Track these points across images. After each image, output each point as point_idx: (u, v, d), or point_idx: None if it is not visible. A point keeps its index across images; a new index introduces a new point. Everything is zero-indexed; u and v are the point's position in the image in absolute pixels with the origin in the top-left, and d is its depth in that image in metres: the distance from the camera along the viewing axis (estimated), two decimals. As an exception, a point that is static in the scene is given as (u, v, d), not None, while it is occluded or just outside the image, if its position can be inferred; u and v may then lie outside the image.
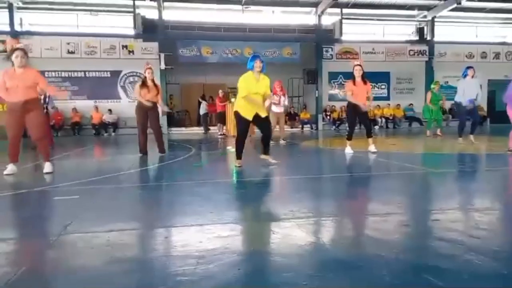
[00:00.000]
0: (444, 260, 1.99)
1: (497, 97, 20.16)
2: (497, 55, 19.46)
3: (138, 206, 3.52)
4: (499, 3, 17.66)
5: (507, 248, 2.19)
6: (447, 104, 15.63)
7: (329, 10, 17.31)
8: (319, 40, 17.72)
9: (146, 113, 7.04)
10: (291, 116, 17.47)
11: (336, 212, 3.17)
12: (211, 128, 15.98)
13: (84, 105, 16.07)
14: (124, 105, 16.19)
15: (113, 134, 15.92)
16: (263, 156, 5.58)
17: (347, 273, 1.86)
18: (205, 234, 2.44)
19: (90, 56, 16.13)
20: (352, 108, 6.92)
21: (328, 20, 18.10)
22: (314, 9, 17.47)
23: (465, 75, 8.43)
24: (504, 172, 5.22)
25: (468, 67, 8.51)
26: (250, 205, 3.40)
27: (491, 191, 3.96)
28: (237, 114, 5.35)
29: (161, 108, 7.71)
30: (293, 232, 2.49)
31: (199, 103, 16.23)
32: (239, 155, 5.43)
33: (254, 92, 5.22)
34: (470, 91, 8.26)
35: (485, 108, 18.56)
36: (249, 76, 5.26)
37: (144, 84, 7.04)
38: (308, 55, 17.85)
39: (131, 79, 16.51)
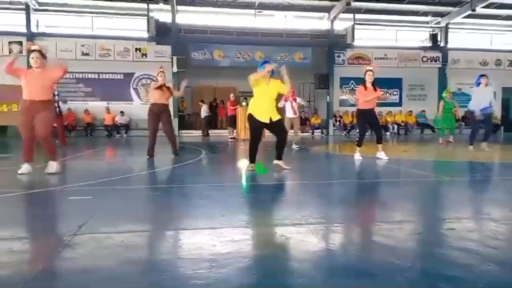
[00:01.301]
0: (459, 269, 1.96)
1: (511, 105, 19.90)
2: (511, 63, 19.18)
3: (150, 208, 3.54)
4: (514, 10, 17.46)
5: (525, 260, 2.15)
6: (461, 112, 15.47)
7: (342, 15, 17.28)
8: (331, 45, 17.70)
9: (158, 116, 7.10)
10: (302, 121, 17.40)
11: (348, 218, 3.14)
12: (221, 131, 16.04)
13: (97, 106, 16.27)
14: (136, 107, 16.36)
15: (125, 135, 16.08)
16: (275, 162, 5.55)
17: (361, 280, 1.85)
18: (217, 237, 2.44)
19: (104, 58, 16.37)
20: (363, 114, 6.88)
21: (341, 25, 18.07)
22: (327, 14, 17.46)
23: (478, 84, 8.36)
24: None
25: (482, 75, 8.44)
26: (263, 209, 3.39)
27: (505, 200, 3.89)
28: (250, 117, 5.35)
29: (183, 84, 7.87)
30: (306, 238, 2.48)
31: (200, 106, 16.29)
32: (252, 159, 5.43)
33: (263, 94, 5.25)
34: (483, 100, 8.18)
35: (499, 116, 18.29)
36: (260, 79, 5.29)
37: (160, 86, 7.12)
38: (320, 60, 17.83)
39: (143, 81, 16.69)
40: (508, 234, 2.71)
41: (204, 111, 15.93)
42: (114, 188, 4.30)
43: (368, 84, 6.79)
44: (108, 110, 16.23)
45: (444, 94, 11.15)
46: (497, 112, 17.31)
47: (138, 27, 16.85)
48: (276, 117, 5.33)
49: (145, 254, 2.24)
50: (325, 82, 17.85)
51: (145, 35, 16.75)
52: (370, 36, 18.57)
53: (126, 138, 15.57)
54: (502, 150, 9.56)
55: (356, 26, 17.94)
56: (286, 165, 5.52)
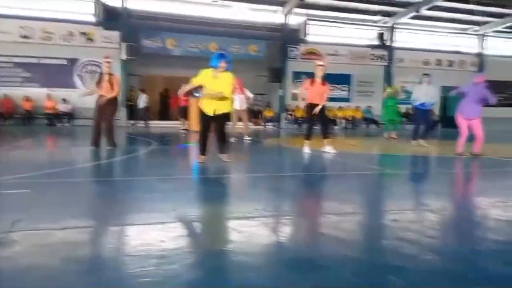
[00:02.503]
0: (403, 260, 2.05)
1: (448, 103, 21.35)
2: (451, 63, 20.55)
3: (95, 202, 3.35)
4: (455, 14, 18.64)
5: (461, 248, 2.29)
6: (403, 108, 16.34)
7: (296, 10, 17.49)
8: (285, 39, 17.86)
9: (103, 106, 6.82)
10: (255, 114, 17.52)
11: (300, 211, 3.19)
12: (173, 122, 15.64)
13: (37, 93, 15.18)
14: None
15: (67, 125, 15.19)
16: (219, 155, 5.52)
17: (312, 273, 1.87)
18: (167, 232, 2.36)
19: (46, 42, 15.26)
20: (311, 109, 7.00)
21: (294, 19, 18.28)
22: (281, 8, 17.57)
23: (421, 81, 8.90)
24: (453, 175, 5.50)
25: (425, 74, 8.98)
26: (214, 202, 3.34)
27: (442, 192, 4.15)
28: (200, 110, 5.38)
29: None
30: (259, 231, 2.47)
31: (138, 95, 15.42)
32: (202, 151, 5.35)
33: (211, 88, 5.19)
34: (424, 96, 8.72)
35: (438, 113, 19.53)
36: (207, 72, 5.24)
37: (99, 80, 6.86)
38: (274, 53, 17.94)
39: (89, 68, 15.82)
40: (445, 224, 2.90)
41: (142, 101, 15.10)
42: (55, 181, 4.03)
43: (318, 79, 6.90)
44: (49, 97, 15.21)
45: (388, 90, 11.74)
46: (436, 109, 18.49)
47: (84, 10, 15.90)
48: (220, 110, 5.27)
49: (88, 252, 2.12)
50: (278, 76, 18.01)
51: (92, 19, 15.84)
52: (322, 32, 18.98)
53: (69, 127, 14.73)
54: (440, 145, 10.21)
55: (309, 22, 18.25)
56: (229, 158, 5.48)
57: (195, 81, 5.37)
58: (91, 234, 2.45)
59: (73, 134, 11.88)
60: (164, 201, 3.20)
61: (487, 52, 20.97)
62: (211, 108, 5.22)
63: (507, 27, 20.06)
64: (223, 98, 5.23)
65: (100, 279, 1.74)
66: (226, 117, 5.46)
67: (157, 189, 3.70)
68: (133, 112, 16.38)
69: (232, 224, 2.67)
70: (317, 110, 6.83)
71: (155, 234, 2.34)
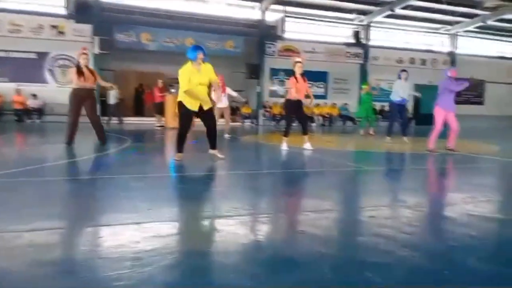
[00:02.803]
0: (381, 256, 2.06)
1: (422, 101, 21.92)
2: (423, 62, 21.07)
3: (67, 202, 3.22)
4: (428, 13, 19.11)
5: (437, 244, 2.33)
6: (377, 106, 16.69)
7: (273, 6, 17.48)
8: (262, 35, 17.83)
9: (82, 101, 6.57)
10: (232, 111, 17.42)
11: (278, 208, 3.17)
12: (148, 119, 15.35)
13: (5, 87, 14.56)
14: (52, 90, 14.97)
15: (37, 121, 14.66)
16: (211, 151, 5.45)
17: (291, 272, 1.85)
18: (142, 233, 2.29)
19: (14, 35, 14.64)
20: (290, 105, 7.02)
21: (272, 16, 18.28)
22: (258, 4, 17.52)
23: (399, 77, 9.13)
24: (427, 171, 5.64)
25: (403, 70, 9.24)
26: (191, 201, 3.28)
27: (417, 188, 4.23)
28: (180, 104, 5.14)
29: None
30: (237, 230, 2.43)
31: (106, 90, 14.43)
32: (179, 149, 5.25)
33: (197, 83, 5.06)
34: (403, 92, 8.96)
35: (411, 111, 20.02)
36: (188, 68, 5.07)
37: (79, 71, 6.52)
38: (251, 50, 17.88)
39: (60, 62, 15.30)
40: (421, 220, 2.95)
41: (113, 96, 14.32)
42: (24, 180, 3.86)
43: (298, 75, 6.92)
44: (18, 92, 14.62)
45: (363, 86, 11.94)
46: (410, 106, 18.94)
47: (54, 3, 15.35)
48: (207, 105, 5.20)
49: (59, 254, 2.02)
50: (256, 72, 17.98)
51: (62, 11, 15.32)
52: (299, 29, 19.07)
53: (40, 123, 14.22)
54: (414, 142, 10.45)
55: (286, 19, 18.28)
56: (221, 154, 5.44)
57: (186, 84, 4.95)
58: (62, 236, 2.35)
59: (44, 131, 11.48)
60: (140, 200, 3.11)
61: (458, 51, 21.61)
62: (197, 103, 5.11)
63: (477, 27, 20.76)
64: (209, 93, 5.17)
65: (71, 284, 1.67)
66: (212, 111, 5.38)
67: (133, 187, 3.61)
68: (106, 108, 15.97)
69: (209, 223, 2.63)
70: (310, 103, 6.93)
71: (130, 234, 2.26)
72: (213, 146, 5.44)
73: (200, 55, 5.04)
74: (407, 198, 3.58)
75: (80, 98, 6.54)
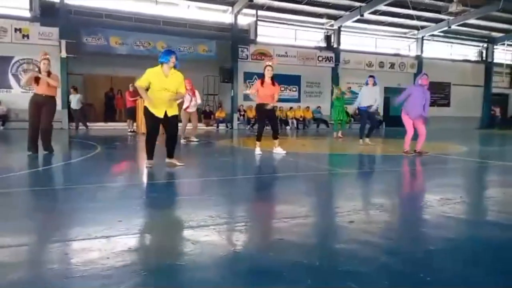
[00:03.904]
0: (363, 264, 2.01)
1: (390, 103, 22.49)
2: (392, 65, 21.63)
3: (29, 216, 2.99)
4: (396, 18, 19.64)
5: (418, 249, 2.31)
6: (350, 109, 16.94)
7: (245, 10, 17.49)
8: (234, 39, 17.77)
9: (40, 107, 6.29)
10: (206, 114, 17.26)
11: (254, 216, 3.09)
12: (119, 124, 14.94)
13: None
14: (16, 96, 14.34)
15: (1, 128, 13.98)
16: (168, 160, 5.27)
17: (272, 283, 1.77)
18: (112, 248, 2.15)
19: (-26, 38, 13.96)
20: (260, 109, 6.96)
21: (244, 20, 18.27)
22: (230, 8, 17.46)
23: (366, 83, 9.19)
24: (401, 173, 5.71)
25: (370, 76, 9.31)
26: (165, 211, 3.14)
27: (392, 190, 4.26)
28: (146, 110, 5.04)
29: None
30: (213, 241, 2.33)
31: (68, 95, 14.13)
32: (149, 155, 5.08)
33: (161, 88, 4.92)
34: (367, 98, 9.00)
35: (381, 113, 20.47)
36: (156, 70, 4.97)
37: (37, 77, 6.26)
38: (225, 53, 17.79)
39: (25, 66, 14.69)
40: (398, 223, 2.94)
41: (76, 101, 13.62)
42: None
43: (267, 79, 6.85)
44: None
45: (335, 90, 12.06)
46: (380, 109, 19.37)
47: (18, 5, 14.73)
48: (172, 112, 5.05)
49: (20, 274, 1.85)
50: (229, 76, 17.89)
51: (27, 14, 14.72)
52: (272, 33, 19.15)
53: (3, 130, 13.55)
54: (384, 143, 10.66)
55: (259, 23, 18.31)
56: (179, 161, 5.29)
57: (143, 82, 4.95)
58: (23, 254, 2.16)
59: (7, 138, 10.92)
60: (109, 211, 2.95)
61: (424, 54, 22.32)
62: (162, 109, 4.96)
63: (442, 32, 21.53)
64: (171, 100, 5.02)
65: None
66: (176, 119, 5.23)
67: (101, 197, 3.43)
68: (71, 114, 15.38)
69: (184, 234, 2.50)
70: (270, 106, 6.80)
71: (99, 250, 2.12)
72: (170, 155, 5.27)
73: (173, 59, 4.92)
74: (382, 201, 3.58)
75: (36, 104, 6.28)
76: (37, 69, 6.58)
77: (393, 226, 2.79)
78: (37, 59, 14.37)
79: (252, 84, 18.40)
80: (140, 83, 4.97)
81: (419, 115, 6.86)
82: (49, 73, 6.39)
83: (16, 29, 14.44)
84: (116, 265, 1.91)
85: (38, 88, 6.32)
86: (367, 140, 9.07)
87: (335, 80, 19.87)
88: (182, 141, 8.83)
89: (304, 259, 2.06)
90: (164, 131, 5.28)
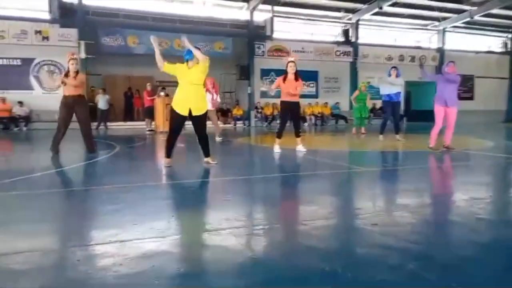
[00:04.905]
0: (388, 272, 1.88)
1: (413, 97, 21.93)
2: (412, 58, 21.05)
3: (42, 219, 2.91)
4: (416, 10, 19.11)
5: (448, 255, 2.15)
6: (370, 103, 16.56)
7: (261, 6, 17.31)
8: (251, 36, 17.64)
9: (71, 108, 6.34)
10: (223, 112, 17.22)
11: (272, 218, 2.98)
12: (137, 123, 15.07)
13: (-10, 96, 14.19)
14: (38, 97, 14.65)
15: (24, 129, 14.29)
16: (205, 159, 5.28)
17: (291, 295, 1.66)
18: (126, 253, 2.08)
19: (-2, 41, 14.30)
20: (284, 107, 6.83)
21: (260, 16, 18.10)
22: (246, 4, 17.33)
23: (389, 75, 9.00)
24: (429, 170, 5.49)
25: (393, 67, 9.17)
26: (181, 213, 3.06)
27: (417, 189, 4.07)
28: (171, 109, 5.02)
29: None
30: (231, 246, 2.23)
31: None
32: (168, 154, 5.04)
33: (186, 82, 4.92)
34: (393, 89, 8.85)
35: (403, 107, 19.98)
36: (182, 65, 5.01)
37: (65, 77, 6.35)
38: (241, 50, 17.70)
39: (46, 68, 14.96)
40: (424, 226, 2.77)
41: (104, 102, 14.20)
42: (2, 194, 3.61)
43: (290, 76, 6.71)
44: (3, 100, 14.23)
45: (359, 85, 11.77)
46: (401, 103, 18.88)
47: (37, 7, 15.00)
48: (197, 111, 4.96)
49: (25, 284, 1.80)
50: (246, 73, 17.79)
51: (46, 16, 14.98)
52: (288, 29, 18.93)
53: (26, 131, 13.85)
54: (406, 139, 10.35)
55: (275, 19, 18.12)
56: (212, 160, 5.27)
57: (167, 65, 4.96)
58: (32, 259, 2.10)
59: (30, 139, 11.15)
60: (125, 214, 2.90)
61: (446, 47, 21.65)
62: (186, 107, 4.91)
63: (464, 23, 20.82)
64: (198, 93, 4.96)
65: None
66: (204, 118, 5.15)
67: (118, 199, 3.38)
68: (95, 114, 15.64)
69: (201, 239, 2.42)
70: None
71: (112, 255, 2.05)
72: (206, 154, 5.26)
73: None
74: (407, 201, 3.41)
75: (70, 105, 6.33)
76: (63, 74, 6.65)
77: (420, 229, 2.63)
78: (57, 61, 14.70)
79: (269, 81, 18.33)
80: (165, 64, 4.98)
81: (454, 103, 6.62)
82: (77, 73, 6.44)
83: (36, 31, 14.71)
84: (129, 273, 1.84)
85: (65, 89, 6.38)
86: (397, 136, 8.87)
87: (354, 75, 19.50)
88: (218, 139, 8.76)
89: (325, 265, 1.94)
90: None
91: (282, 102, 6.85)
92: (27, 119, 14.53)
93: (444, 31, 21.50)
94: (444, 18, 20.45)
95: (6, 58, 14.57)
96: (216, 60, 16.48)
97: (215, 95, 8.95)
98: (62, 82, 6.36)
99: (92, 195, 3.69)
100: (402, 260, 2.03)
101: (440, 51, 21.46)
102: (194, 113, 4.94)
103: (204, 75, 5.04)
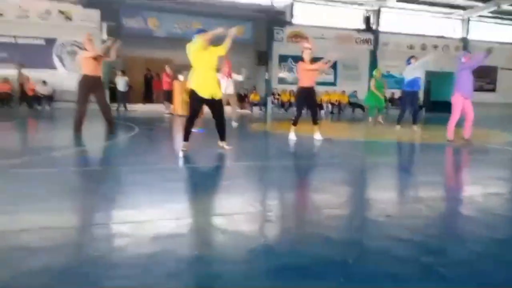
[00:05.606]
0: (400, 264, 1.90)
1: (432, 88, 21.43)
2: (435, 48, 20.51)
3: (60, 197, 2.99)
4: (441, -3, 18.51)
5: (462, 250, 2.15)
6: (387, 93, 16.28)
7: (282, -10, 17.05)
8: (270, 21, 17.45)
9: (91, 88, 6.46)
10: (240, 98, 17.21)
11: (284, 206, 3.02)
12: (156, 106, 15.22)
13: (14, 74, 14.51)
14: (61, 76, 14.91)
15: (48, 107, 14.64)
16: (219, 143, 5.35)
17: (303, 280, 1.71)
18: (141, 234, 2.15)
19: (21, 20, 14.52)
20: (302, 93, 6.80)
21: (281, 1, 17.84)
22: (266, -12, 17.09)
23: (409, 63, 8.93)
24: (442, 163, 5.42)
25: (412, 56, 9.13)
26: (197, 197, 3.13)
27: (436, 183, 4.03)
28: (192, 93, 5.03)
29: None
30: (242, 231, 2.28)
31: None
32: (186, 137, 5.11)
33: (205, 64, 4.95)
34: (415, 74, 8.78)
35: (422, 98, 19.56)
36: (198, 48, 4.96)
37: (94, 57, 6.48)
38: (260, 36, 17.54)
39: (68, 48, 15.18)
40: (439, 218, 2.77)
41: (124, 83, 14.46)
42: (24, 171, 3.74)
43: (307, 62, 6.68)
44: (28, 79, 14.56)
45: (374, 73, 11.53)
46: (420, 93, 18.50)
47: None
48: (217, 95, 5.07)
49: (44, 259, 1.87)
50: (264, 59, 17.67)
51: (70, -4, 15.14)
52: (308, 14, 18.61)
53: (50, 110, 14.18)
54: (424, 130, 10.18)
55: (295, 4, 17.85)
56: (227, 145, 5.33)
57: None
58: (49, 236, 2.19)
59: (52, 118, 11.43)
60: (141, 195, 2.98)
61: (470, 36, 20.97)
62: (209, 91, 4.97)
63: (491, 12, 20.06)
64: (215, 77, 5.07)
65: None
66: (221, 103, 5.22)
67: (135, 181, 3.47)
68: (115, 95, 15.88)
69: (215, 223, 2.48)
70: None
71: (128, 236, 2.13)
72: (222, 138, 5.32)
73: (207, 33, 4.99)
74: (421, 193, 3.40)
75: (89, 86, 6.45)
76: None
77: (434, 222, 2.63)
78: (79, 41, 14.88)
79: (286, 67, 18.16)
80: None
81: (472, 94, 6.51)
82: (99, 54, 6.62)
83: (59, 11, 14.89)
84: (145, 252, 1.91)
85: (86, 69, 6.45)
86: (414, 127, 8.76)
87: (373, 63, 19.14)
88: (234, 124, 8.82)
89: (336, 255, 1.98)
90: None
91: (300, 88, 6.82)
92: (50, 98, 14.85)
93: (469, 20, 20.78)
94: (470, 7, 19.74)
95: (30, 37, 14.83)
96: (234, 45, 16.43)
97: (231, 79, 8.97)
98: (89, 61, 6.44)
99: (111, 175, 3.80)
100: (414, 252, 2.03)
101: (464, 41, 20.80)
102: (215, 97, 5.01)
103: (217, 60, 5.10)
